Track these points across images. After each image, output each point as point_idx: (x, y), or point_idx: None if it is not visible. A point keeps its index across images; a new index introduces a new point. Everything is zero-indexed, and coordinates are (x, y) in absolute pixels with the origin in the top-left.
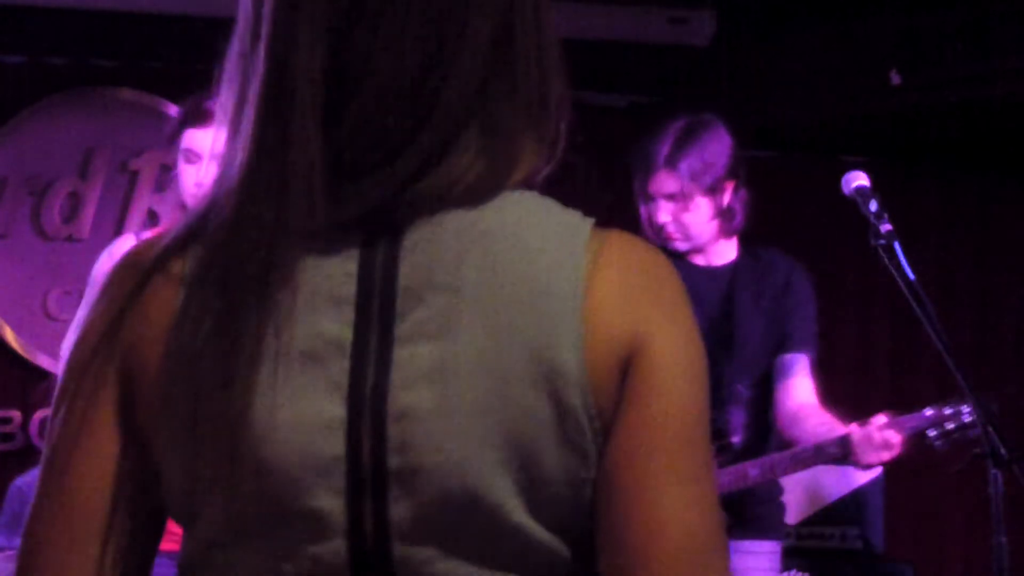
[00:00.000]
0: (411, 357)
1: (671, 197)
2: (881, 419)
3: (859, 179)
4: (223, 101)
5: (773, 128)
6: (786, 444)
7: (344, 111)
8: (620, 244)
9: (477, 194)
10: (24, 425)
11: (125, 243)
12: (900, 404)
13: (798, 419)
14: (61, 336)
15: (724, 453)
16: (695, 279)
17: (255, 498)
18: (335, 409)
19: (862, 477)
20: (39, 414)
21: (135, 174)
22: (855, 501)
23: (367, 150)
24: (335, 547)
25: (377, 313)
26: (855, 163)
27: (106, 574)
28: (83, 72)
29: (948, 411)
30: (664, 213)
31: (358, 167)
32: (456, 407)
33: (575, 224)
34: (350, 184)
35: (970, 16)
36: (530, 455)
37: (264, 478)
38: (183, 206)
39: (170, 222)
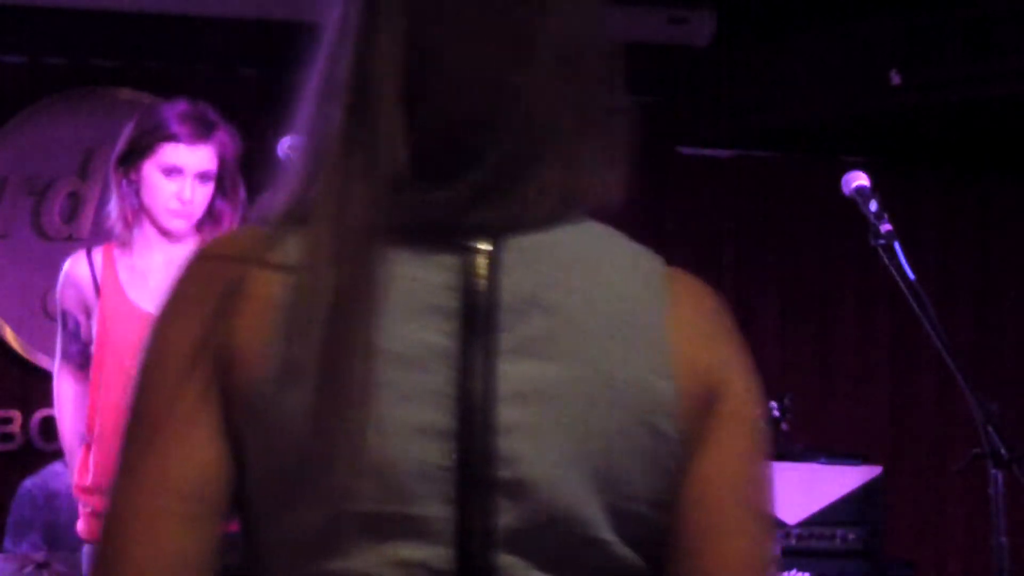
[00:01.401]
0: (516, 372)
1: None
2: None
3: (859, 179)
4: (304, 104)
5: (773, 128)
6: None
7: (424, 111)
8: (689, 283)
9: (561, 215)
10: (24, 425)
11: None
12: (900, 404)
13: None
14: None
15: None
16: None
17: (358, 502)
18: (443, 418)
19: (862, 477)
20: (39, 414)
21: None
22: (855, 501)
23: (449, 152)
24: (442, 554)
25: (482, 327)
26: (855, 163)
27: (191, 552)
28: (83, 72)
29: None
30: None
31: (442, 170)
32: (558, 425)
33: (649, 258)
34: (436, 188)
35: (970, 16)
36: (621, 475)
37: (370, 482)
38: (140, 215)
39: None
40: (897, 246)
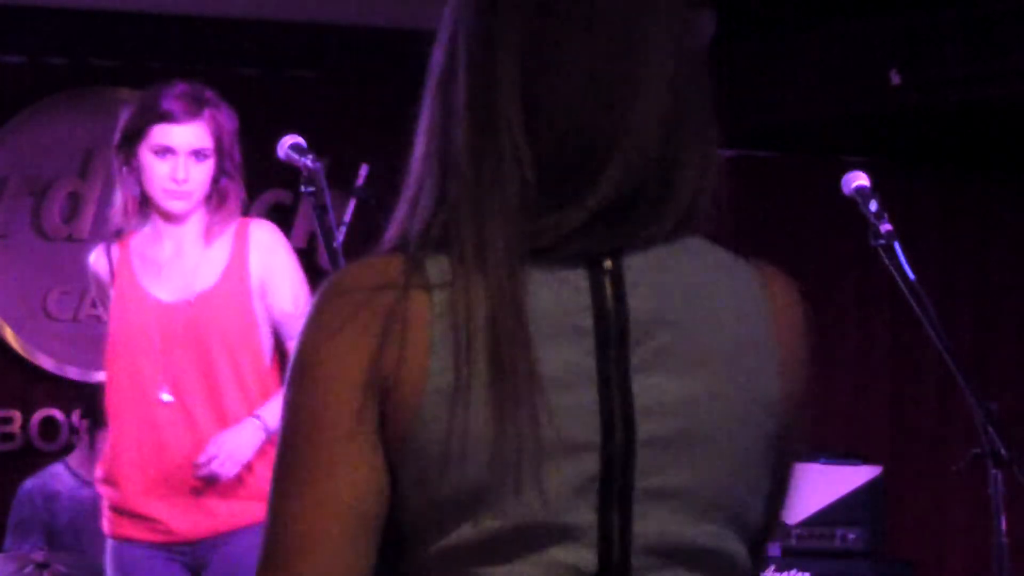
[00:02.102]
0: (649, 387)
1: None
2: None
3: (859, 179)
4: (424, 114)
5: (773, 128)
6: None
7: (545, 135)
8: (781, 282)
9: (675, 232)
10: (24, 425)
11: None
12: (900, 404)
13: None
14: (61, 336)
15: None
16: None
17: (521, 514)
18: (589, 434)
19: (862, 477)
20: (39, 414)
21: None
22: (855, 501)
23: (572, 174)
24: (588, 557)
25: (614, 344)
26: (855, 163)
27: (357, 568)
28: (83, 72)
29: None
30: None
31: (565, 192)
32: (689, 435)
33: (746, 265)
34: (561, 210)
35: (970, 16)
36: (744, 482)
37: (531, 496)
38: (142, 201)
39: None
40: (897, 246)
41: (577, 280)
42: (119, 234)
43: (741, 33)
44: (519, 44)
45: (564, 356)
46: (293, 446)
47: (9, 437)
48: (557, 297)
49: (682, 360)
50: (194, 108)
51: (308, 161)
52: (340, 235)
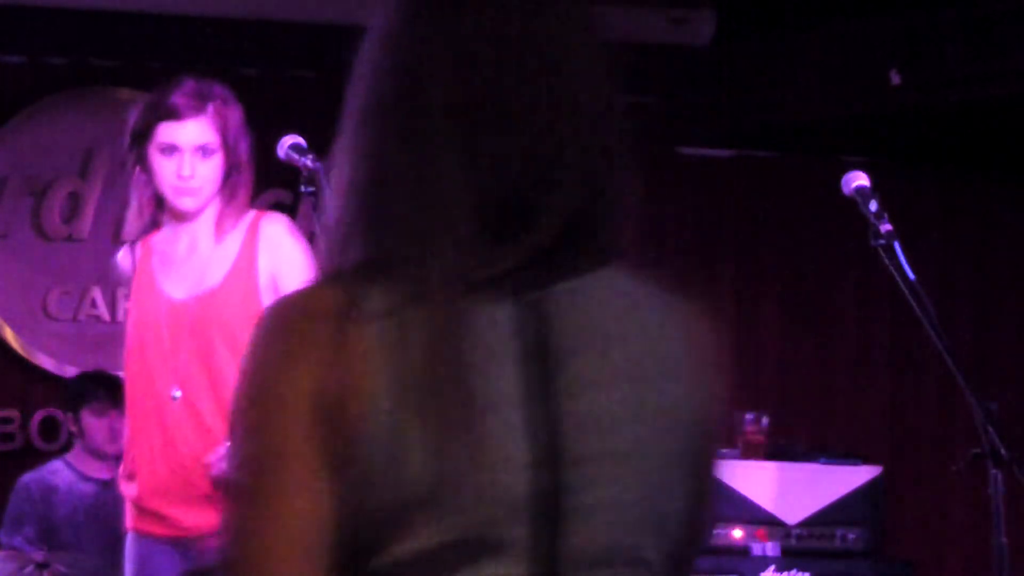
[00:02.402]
0: (575, 409)
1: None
2: None
3: (859, 179)
4: (352, 143)
5: (773, 128)
6: None
7: (480, 165)
8: (697, 316)
9: (602, 261)
10: (24, 425)
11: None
12: (900, 404)
13: None
14: (61, 336)
15: None
16: None
17: (452, 531)
18: (521, 454)
19: (862, 477)
20: (39, 414)
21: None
22: (855, 501)
23: (507, 210)
24: (517, 570)
25: (541, 368)
26: (855, 163)
27: None
28: (82, 72)
29: None
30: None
31: (499, 226)
32: (618, 453)
33: (666, 295)
34: (495, 242)
35: (970, 16)
36: (670, 495)
37: (471, 511)
38: (156, 198)
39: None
40: (897, 246)
41: (508, 310)
42: (140, 234)
43: (741, 33)
44: (453, 81)
45: (496, 383)
46: (248, 469)
47: (9, 437)
48: (489, 327)
49: (604, 383)
50: (198, 104)
51: (308, 161)
52: None
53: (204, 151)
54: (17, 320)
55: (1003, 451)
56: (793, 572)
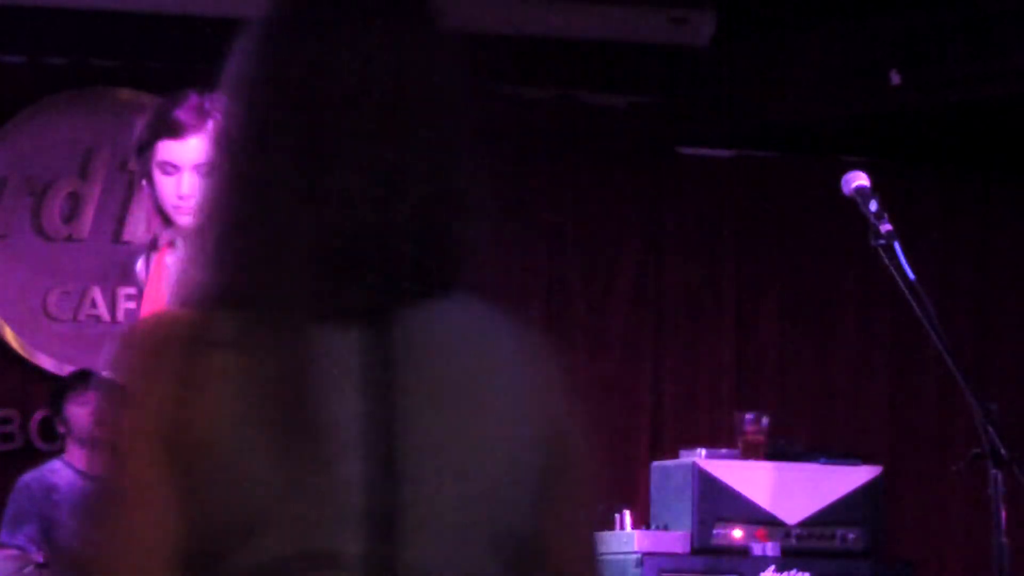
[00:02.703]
0: (415, 429)
1: (199, 167)
2: None
3: (859, 179)
4: (217, 178)
5: (773, 128)
6: None
7: (326, 205)
8: (541, 342)
9: (449, 290)
10: (24, 425)
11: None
12: (900, 404)
13: None
14: (61, 336)
15: None
16: None
17: (293, 544)
18: (358, 473)
19: (862, 477)
20: (39, 414)
21: (135, 174)
22: (855, 501)
23: (349, 244)
24: None
25: (383, 392)
26: (855, 163)
27: None
28: (82, 72)
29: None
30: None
31: (344, 259)
32: (456, 471)
33: (510, 321)
34: (344, 273)
35: (970, 16)
36: (514, 512)
37: (305, 529)
38: (162, 214)
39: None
40: (897, 246)
41: (354, 337)
42: (153, 244)
43: (741, 33)
44: (294, 124)
45: (338, 406)
46: (105, 484)
47: (9, 437)
48: (335, 353)
49: (445, 405)
50: (197, 122)
51: None
52: None
53: (202, 169)
54: (17, 320)
55: (1003, 451)
56: (793, 572)
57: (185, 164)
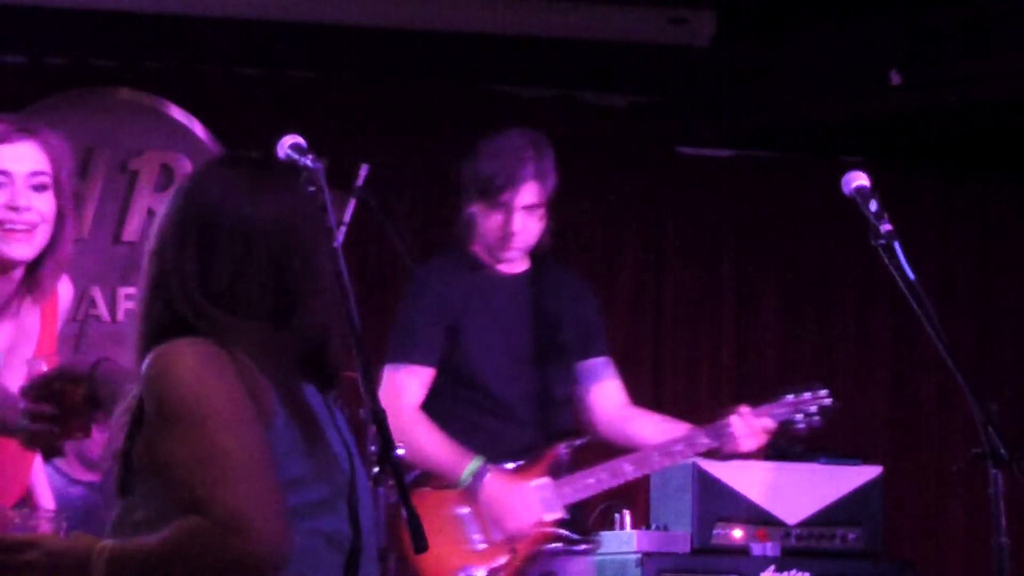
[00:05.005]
0: (353, 451)
1: (531, 208)
2: (746, 409)
3: (859, 179)
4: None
5: (773, 128)
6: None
7: (294, 328)
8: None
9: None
10: None
11: None
12: (900, 404)
13: (628, 419)
14: (61, 336)
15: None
16: (506, 286)
17: (320, 495)
18: (343, 457)
19: (862, 477)
20: None
21: (135, 174)
22: (855, 501)
23: (308, 349)
24: (343, 526)
25: (337, 427)
26: (855, 163)
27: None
28: (83, 72)
29: (807, 396)
30: (519, 223)
31: (305, 356)
32: (354, 472)
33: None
34: (307, 360)
35: (970, 16)
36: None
37: (324, 486)
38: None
39: None
40: (897, 246)
41: (320, 396)
42: None
43: (741, 33)
44: (265, 285)
45: (326, 430)
46: (233, 437)
47: None
48: (317, 403)
49: (339, 441)
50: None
51: (308, 161)
52: (340, 235)
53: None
54: None
55: (1003, 451)
56: (793, 572)
57: (16, 172)
